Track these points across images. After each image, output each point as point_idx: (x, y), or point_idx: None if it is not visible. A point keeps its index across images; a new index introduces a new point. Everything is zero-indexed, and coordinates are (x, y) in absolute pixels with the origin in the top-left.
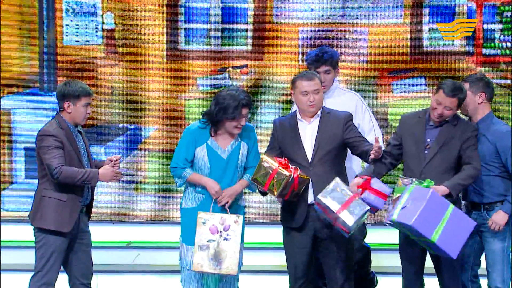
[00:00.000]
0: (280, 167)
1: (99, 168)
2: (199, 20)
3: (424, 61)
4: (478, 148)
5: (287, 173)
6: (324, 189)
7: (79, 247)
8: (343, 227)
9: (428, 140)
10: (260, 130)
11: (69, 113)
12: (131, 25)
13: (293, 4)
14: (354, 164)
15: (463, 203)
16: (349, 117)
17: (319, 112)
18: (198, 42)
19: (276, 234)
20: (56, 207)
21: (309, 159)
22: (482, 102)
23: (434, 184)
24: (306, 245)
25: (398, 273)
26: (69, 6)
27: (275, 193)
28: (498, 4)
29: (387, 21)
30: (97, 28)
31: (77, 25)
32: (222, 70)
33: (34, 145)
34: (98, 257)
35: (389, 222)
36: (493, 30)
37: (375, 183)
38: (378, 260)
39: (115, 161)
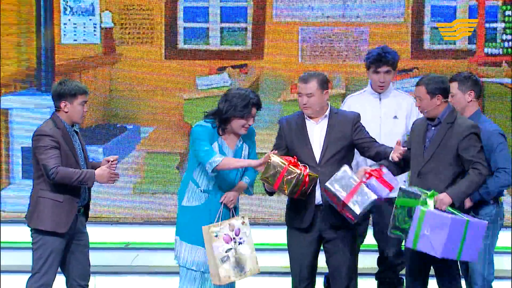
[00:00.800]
0: (290, 166)
1: (95, 169)
2: (198, 19)
3: (425, 60)
4: None
5: (298, 171)
6: (332, 176)
7: (77, 248)
8: (349, 214)
9: (427, 140)
10: (259, 130)
11: (66, 112)
12: (130, 24)
13: (293, 3)
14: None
15: None
16: (357, 117)
17: (327, 112)
18: (197, 41)
19: (272, 235)
20: (53, 208)
21: (317, 159)
22: (471, 101)
23: (427, 185)
24: (312, 246)
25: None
26: (67, 5)
27: (286, 191)
28: (500, 3)
29: (388, 20)
30: (95, 27)
31: (74, 24)
32: (221, 69)
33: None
34: (96, 258)
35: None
36: (495, 29)
37: (385, 173)
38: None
39: (112, 161)
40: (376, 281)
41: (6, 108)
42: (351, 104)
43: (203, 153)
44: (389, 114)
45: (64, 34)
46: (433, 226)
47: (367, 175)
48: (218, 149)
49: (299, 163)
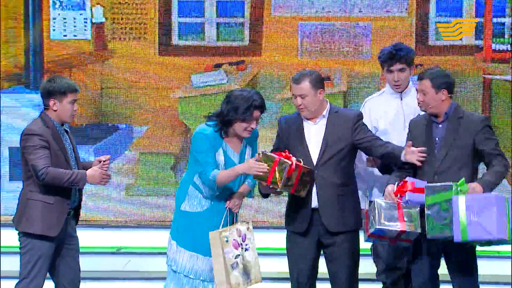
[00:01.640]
0: (281, 158)
1: (87, 170)
2: (193, 13)
3: (430, 56)
4: None
5: (289, 162)
6: (372, 219)
7: (67, 252)
8: (407, 240)
9: (437, 138)
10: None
11: (55, 110)
12: (122, 19)
13: None
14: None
15: None
16: (358, 116)
17: (325, 112)
18: (192, 37)
19: (272, 240)
20: (43, 210)
21: (315, 161)
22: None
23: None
24: (310, 251)
25: None
26: None
27: (279, 184)
28: None
29: (391, 14)
30: (85, 22)
31: (64, 19)
32: (217, 66)
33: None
34: (86, 263)
35: (459, 242)
36: (503, 24)
37: (414, 182)
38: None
39: (104, 161)
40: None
41: None
42: (371, 107)
43: (203, 176)
44: (413, 114)
45: (53, 30)
46: (479, 209)
47: (398, 195)
48: (223, 154)
49: (291, 156)
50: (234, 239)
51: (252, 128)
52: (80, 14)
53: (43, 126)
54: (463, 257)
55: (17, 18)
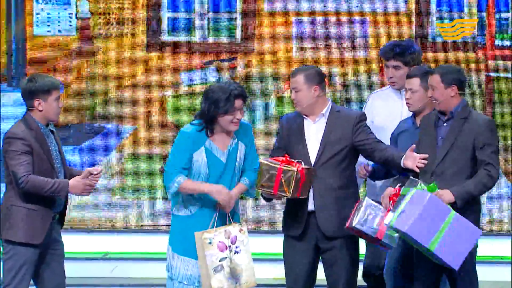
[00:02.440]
0: (284, 165)
1: (74, 177)
2: (183, 8)
3: (430, 53)
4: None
5: (294, 169)
6: (357, 215)
7: (52, 258)
8: (385, 247)
9: (440, 138)
10: None
11: (41, 111)
12: (108, 13)
13: None
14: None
15: None
16: (361, 116)
17: (324, 111)
18: (182, 33)
19: (267, 244)
20: (26, 217)
21: (313, 161)
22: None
23: (443, 187)
24: (307, 255)
25: None
26: None
27: (288, 193)
28: None
29: (390, 9)
30: (70, 17)
31: (48, 13)
32: (208, 63)
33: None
34: (71, 269)
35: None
36: (506, 19)
37: None
38: None
39: (95, 175)
40: None
41: None
42: (373, 100)
43: (167, 177)
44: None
45: (37, 25)
46: (412, 203)
47: (391, 202)
48: (205, 154)
49: (292, 160)
50: (220, 241)
51: (237, 119)
52: (65, 9)
53: (26, 129)
54: (463, 265)
55: None
